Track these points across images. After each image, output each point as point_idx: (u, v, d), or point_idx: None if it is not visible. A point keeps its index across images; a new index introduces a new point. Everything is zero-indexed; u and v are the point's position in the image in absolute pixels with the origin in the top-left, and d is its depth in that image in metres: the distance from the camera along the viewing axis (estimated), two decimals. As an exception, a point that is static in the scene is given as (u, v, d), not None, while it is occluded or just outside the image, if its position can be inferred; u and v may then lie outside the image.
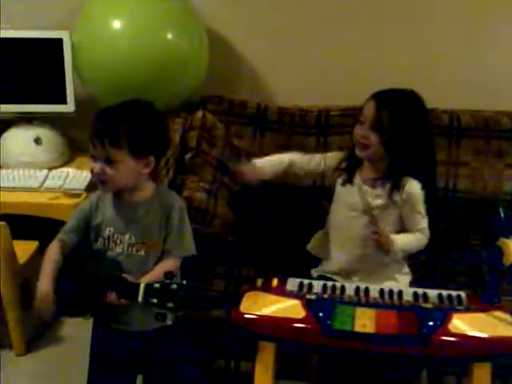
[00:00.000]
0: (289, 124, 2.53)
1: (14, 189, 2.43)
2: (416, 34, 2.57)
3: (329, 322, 1.66)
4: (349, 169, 2.08)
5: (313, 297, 1.75)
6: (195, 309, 2.05)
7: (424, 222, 1.99)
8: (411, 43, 2.58)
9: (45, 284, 1.69)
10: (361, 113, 2.00)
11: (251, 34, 2.64)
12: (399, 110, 1.95)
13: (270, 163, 2.15)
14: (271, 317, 1.70)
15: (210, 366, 2.14)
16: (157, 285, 1.56)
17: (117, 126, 1.66)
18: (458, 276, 2.16)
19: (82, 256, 1.75)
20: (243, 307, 1.73)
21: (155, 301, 1.55)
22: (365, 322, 1.65)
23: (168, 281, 1.55)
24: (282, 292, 1.78)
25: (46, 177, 2.49)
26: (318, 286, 1.81)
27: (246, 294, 1.78)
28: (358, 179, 2.05)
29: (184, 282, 1.56)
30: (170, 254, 1.73)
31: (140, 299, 1.57)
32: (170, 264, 1.71)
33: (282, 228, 2.40)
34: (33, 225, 2.50)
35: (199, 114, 2.47)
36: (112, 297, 1.63)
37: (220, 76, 2.64)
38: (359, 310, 1.69)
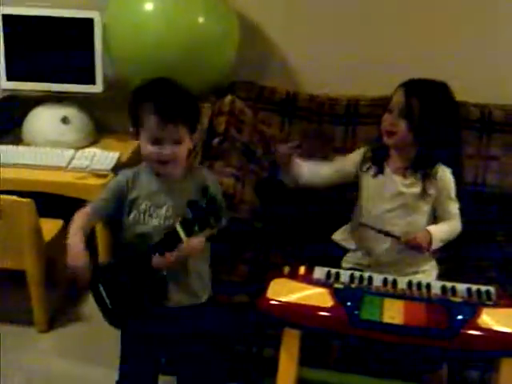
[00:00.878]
0: (317, 112, 2.52)
1: (40, 167, 2.44)
2: (450, 27, 2.54)
3: (356, 312, 1.64)
4: (377, 160, 2.06)
5: (340, 286, 1.74)
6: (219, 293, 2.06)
7: (456, 208, 2.00)
8: (445, 37, 2.54)
9: (76, 239, 1.69)
10: (390, 102, 2.00)
11: (283, 19, 2.63)
12: (429, 97, 1.94)
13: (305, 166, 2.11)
14: (298, 304, 1.68)
15: (231, 351, 2.14)
16: (189, 217, 1.62)
17: (182, 105, 1.70)
18: (486, 271, 2.14)
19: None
20: (270, 294, 1.72)
21: (197, 228, 1.63)
22: (393, 313, 1.63)
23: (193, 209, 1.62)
24: (309, 280, 1.77)
25: (73, 156, 2.49)
26: (345, 275, 1.80)
27: (273, 281, 1.76)
28: (387, 170, 2.03)
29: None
30: None
31: (183, 236, 1.63)
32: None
33: (307, 217, 2.39)
34: (58, 204, 2.51)
35: (228, 98, 2.45)
36: (158, 259, 1.67)
37: (250, 61, 2.63)
38: (388, 301, 1.67)
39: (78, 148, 2.57)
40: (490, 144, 2.42)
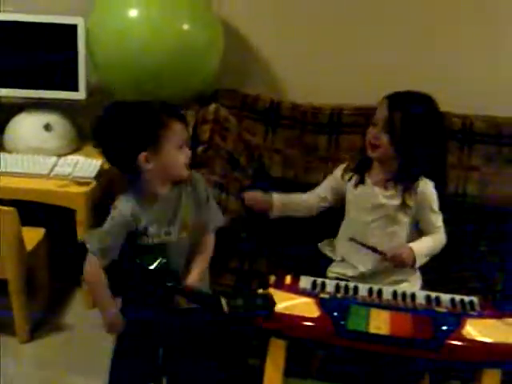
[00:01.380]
0: (301, 121, 2.52)
1: (22, 174, 2.42)
2: (432, 35, 2.55)
3: (342, 323, 1.65)
4: (359, 170, 2.09)
5: (326, 296, 1.75)
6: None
7: (440, 221, 2.03)
8: (428, 45, 2.56)
9: (111, 309, 1.73)
10: (374, 114, 2.02)
11: (266, 28, 2.62)
12: (411, 112, 1.96)
13: (285, 198, 2.21)
14: (284, 314, 1.69)
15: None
16: (240, 302, 1.61)
17: None
18: (468, 281, 2.17)
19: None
20: (256, 304, 1.72)
21: (242, 310, 1.61)
22: (379, 323, 1.64)
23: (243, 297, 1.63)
24: (295, 289, 1.77)
25: (56, 164, 2.47)
26: (330, 285, 1.80)
27: (259, 291, 1.77)
28: (368, 181, 2.06)
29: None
30: (208, 228, 1.82)
31: (226, 308, 1.60)
32: (210, 244, 1.82)
33: (292, 225, 2.39)
34: (39, 212, 2.50)
35: (212, 107, 2.44)
36: (182, 301, 1.69)
37: (233, 70, 2.62)
38: (374, 312, 1.68)
39: (60, 155, 2.55)
40: (471, 154, 2.45)
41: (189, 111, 2.43)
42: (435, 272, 2.13)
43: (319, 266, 2.10)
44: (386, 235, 2.03)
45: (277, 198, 2.21)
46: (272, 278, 1.81)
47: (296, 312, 1.69)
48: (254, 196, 2.21)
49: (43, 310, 2.49)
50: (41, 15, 2.50)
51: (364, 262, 2.03)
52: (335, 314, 1.68)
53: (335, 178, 2.18)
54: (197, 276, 1.77)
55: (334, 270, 2.09)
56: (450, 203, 2.34)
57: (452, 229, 2.24)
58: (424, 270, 2.07)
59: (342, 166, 2.18)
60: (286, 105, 2.54)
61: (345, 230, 2.11)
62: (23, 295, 2.31)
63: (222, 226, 1.86)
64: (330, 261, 2.12)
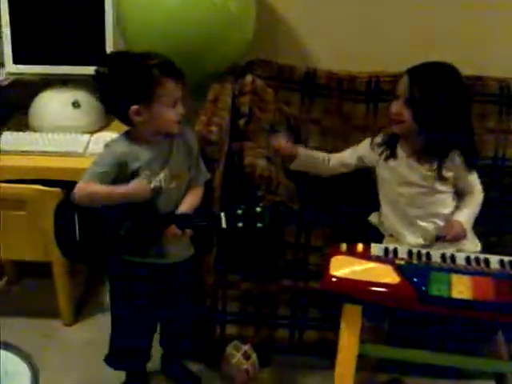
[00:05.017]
0: (338, 89, 2.48)
1: (57, 153, 2.33)
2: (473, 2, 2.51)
3: (424, 289, 1.64)
4: (389, 143, 2.07)
5: (402, 262, 1.73)
6: (265, 278, 2.04)
7: (475, 178, 2.04)
8: (467, 11, 2.50)
9: (121, 188, 1.74)
10: (396, 87, 2.01)
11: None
12: (431, 84, 1.95)
13: (309, 152, 2.25)
14: (365, 281, 1.67)
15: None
16: (239, 211, 1.67)
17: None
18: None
19: None
20: (333, 270, 1.70)
21: (241, 225, 1.67)
22: (461, 288, 1.64)
23: (245, 206, 1.68)
24: (368, 257, 1.76)
25: (89, 141, 2.39)
26: (403, 251, 1.79)
27: (333, 258, 1.75)
28: (401, 154, 2.04)
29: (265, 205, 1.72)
30: (198, 181, 1.86)
31: (224, 225, 1.67)
32: (200, 191, 1.86)
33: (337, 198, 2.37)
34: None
35: (249, 78, 2.39)
36: (174, 230, 1.73)
37: (266, 40, 2.55)
38: (455, 277, 1.68)
39: (89, 133, 2.47)
40: (510, 118, 2.43)
41: (225, 83, 2.39)
42: (493, 235, 2.13)
43: (371, 237, 2.07)
44: (429, 204, 2.02)
45: (302, 149, 2.24)
46: (343, 246, 1.79)
47: (377, 279, 1.67)
48: (281, 141, 2.23)
49: (83, 291, 2.43)
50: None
51: (415, 238, 2.03)
52: (415, 279, 1.66)
53: (365, 148, 2.18)
54: (188, 206, 1.81)
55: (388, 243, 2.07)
56: (489, 167, 2.36)
57: (492, 193, 2.25)
58: (480, 234, 2.07)
59: (371, 138, 2.18)
60: (321, 73, 2.49)
61: (386, 206, 2.10)
62: (67, 277, 2.25)
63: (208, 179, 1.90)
64: (379, 233, 2.12)
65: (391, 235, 2.09)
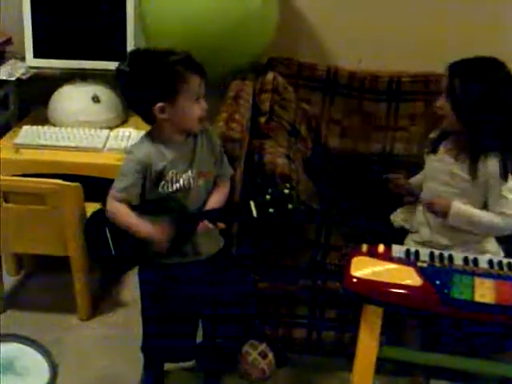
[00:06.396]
0: (359, 89, 2.47)
1: (76, 148, 2.33)
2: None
3: (446, 291, 1.62)
4: (438, 139, 2.04)
5: (424, 265, 1.71)
6: (283, 279, 2.03)
7: (505, 207, 1.88)
8: (489, 11, 2.49)
9: (145, 226, 1.74)
10: (433, 81, 2.01)
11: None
12: (472, 78, 1.89)
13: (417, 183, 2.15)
14: (387, 282, 1.65)
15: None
16: (268, 196, 1.64)
17: None
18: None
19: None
20: (354, 271, 1.68)
21: (272, 210, 1.63)
22: (484, 292, 1.61)
23: (273, 190, 1.65)
24: (389, 258, 1.73)
25: (108, 137, 2.39)
26: (424, 254, 1.76)
27: (355, 259, 1.72)
28: (441, 150, 2.01)
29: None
30: (224, 177, 1.85)
31: (255, 214, 1.64)
32: (227, 185, 1.85)
33: (356, 197, 2.35)
34: (90, 186, 2.41)
35: (270, 76, 2.38)
36: (207, 225, 1.72)
37: (287, 38, 2.54)
38: (477, 280, 1.65)
39: (108, 128, 2.47)
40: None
41: (246, 80, 2.38)
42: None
43: (393, 238, 2.05)
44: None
45: (413, 181, 2.17)
46: (365, 247, 1.77)
47: (398, 280, 1.65)
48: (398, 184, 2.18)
49: (100, 287, 2.42)
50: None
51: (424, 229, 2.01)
52: (437, 282, 1.64)
53: None
54: (217, 200, 1.81)
55: (412, 240, 2.05)
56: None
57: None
58: (500, 238, 2.04)
59: None
60: (343, 73, 2.47)
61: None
62: (85, 273, 2.24)
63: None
64: (402, 233, 2.09)
65: (415, 232, 2.06)
